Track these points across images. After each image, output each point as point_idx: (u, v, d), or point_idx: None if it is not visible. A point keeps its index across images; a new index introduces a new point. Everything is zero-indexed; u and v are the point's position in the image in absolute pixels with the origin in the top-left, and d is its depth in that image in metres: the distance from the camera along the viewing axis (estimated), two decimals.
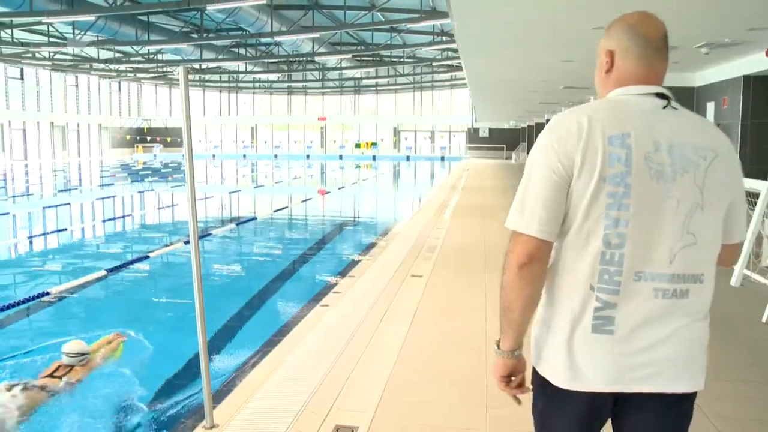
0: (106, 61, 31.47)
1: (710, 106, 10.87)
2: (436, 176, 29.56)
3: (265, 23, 22.50)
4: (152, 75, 40.15)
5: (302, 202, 17.34)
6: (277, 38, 24.64)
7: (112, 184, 23.51)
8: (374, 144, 48.97)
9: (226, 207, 17.29)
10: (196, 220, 3.18)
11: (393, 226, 11.49)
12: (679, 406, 1.60)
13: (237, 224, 12.88)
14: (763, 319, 5.21)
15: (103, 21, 22.63)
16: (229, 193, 20.56)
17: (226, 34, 26.17)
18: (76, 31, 23.31)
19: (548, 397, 1.64)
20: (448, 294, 6.03)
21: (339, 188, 22.56)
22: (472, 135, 45.84)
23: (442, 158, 44.84)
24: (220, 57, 30.53)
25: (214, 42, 29.15)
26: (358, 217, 15.38)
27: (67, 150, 40.64)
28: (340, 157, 45.31)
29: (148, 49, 30.42)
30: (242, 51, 31.65)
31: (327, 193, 20.09)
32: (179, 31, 26.00)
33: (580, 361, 1.56)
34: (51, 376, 4.51)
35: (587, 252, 1.53)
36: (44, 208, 15.65)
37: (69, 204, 16.37)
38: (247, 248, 11.04)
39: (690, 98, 11.25)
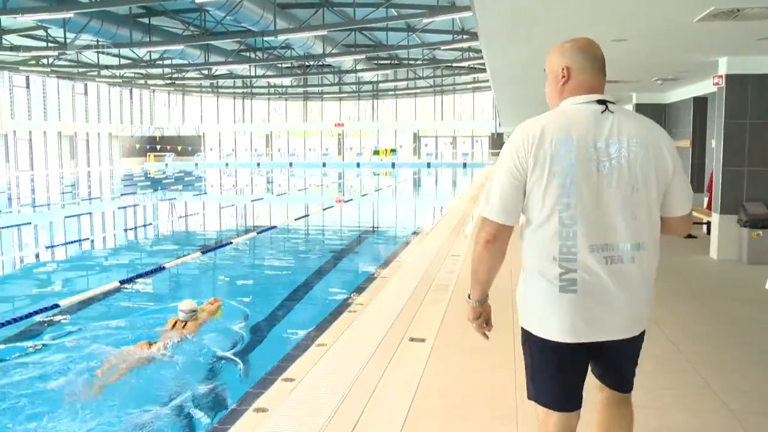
0: (108, 67, 30.08)
1: None
2: (457, 185, 27.41)
3: (271, 22, 20.89)
4: (165, 82, 38.78)
5: (296, 220, 14.99)
6: (283, 37, 23.05)
7: (99, 197, 21.92)
8: (393, 151, 46.94)
9: (212, 223, 15.37)
10: None
11: (399, 251, 9.40)
12: (631, 344, 2.08)
13: (203, 252, 10.43)
14: None
15: (98, 23, 21.24)
16: (221, 207, 18.72)
17: (230, 34, 24.53)
18: (68, 34, 21.85)
19: (534, 347, 2.07)
20: (461, 373, 4.01)
21: (347, 201, 20.38)
22: (496, 140, 43.73)
23: (465, 165, 42.58)
24: (229, 60, 29.03)
25: (221, 45, 27.64)
26: (359, 239, 12.54)
27: (76, 160, 39.34)
28: (358, 164, 43.25)
29: (150, 53, 29.01)
30: (252, 55, 30.10)
31: (328, 209, 17.50)
32: (181, 34, 24.51)
33: (552, 317, 1.98)
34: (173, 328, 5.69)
35: (549, 231, 1.94)
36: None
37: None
38: (203, 288, 8.51)
39: (764, 87, 8.82)
